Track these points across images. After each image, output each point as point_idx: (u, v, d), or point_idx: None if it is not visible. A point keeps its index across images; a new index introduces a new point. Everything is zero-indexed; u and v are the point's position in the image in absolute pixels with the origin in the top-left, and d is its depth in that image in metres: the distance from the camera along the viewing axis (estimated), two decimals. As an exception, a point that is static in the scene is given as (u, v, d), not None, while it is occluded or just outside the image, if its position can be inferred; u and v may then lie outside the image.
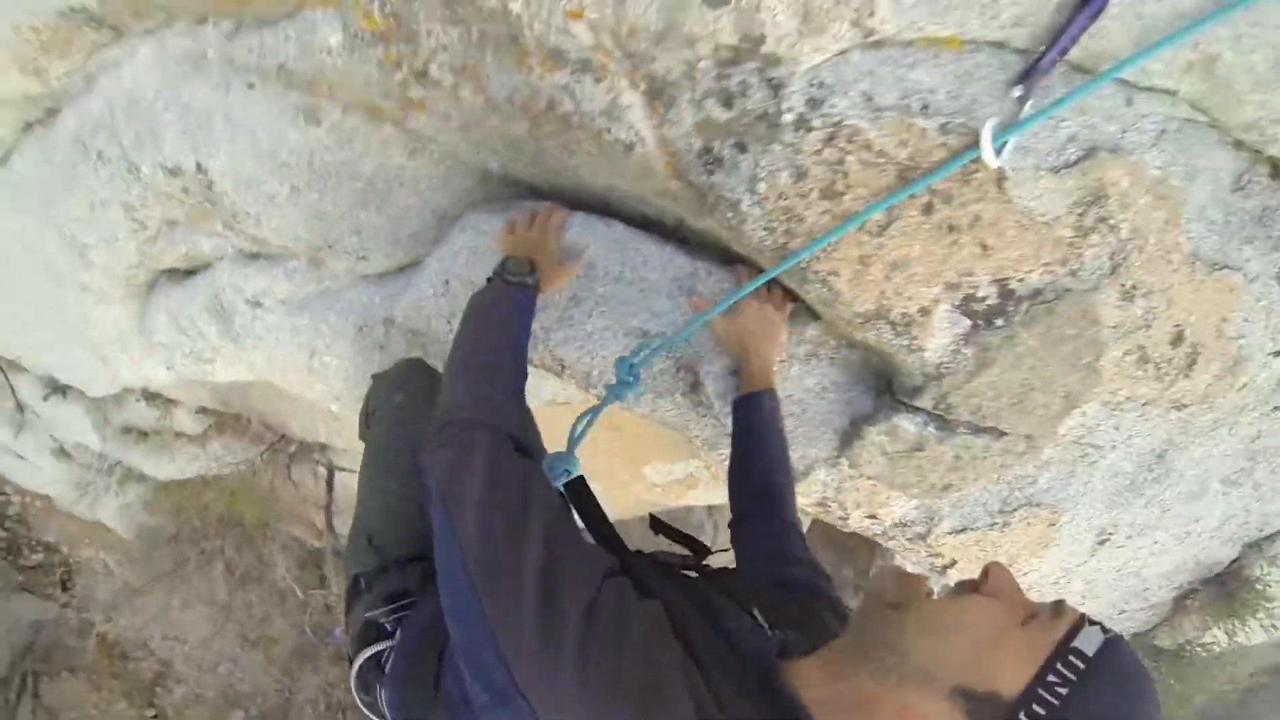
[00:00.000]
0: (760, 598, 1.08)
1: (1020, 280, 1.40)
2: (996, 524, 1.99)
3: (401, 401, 1.72)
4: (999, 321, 1.44)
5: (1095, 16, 1.13)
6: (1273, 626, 2.76)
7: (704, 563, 1.28)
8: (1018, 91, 1.18)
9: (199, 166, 1.68)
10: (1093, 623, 0.77)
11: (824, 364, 1.70)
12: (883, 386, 1.67)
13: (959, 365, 1.48)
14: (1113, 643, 0.76)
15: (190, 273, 2.27)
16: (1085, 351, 1.55)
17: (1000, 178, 1.25)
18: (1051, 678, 0.73)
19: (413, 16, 1.21)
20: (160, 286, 2.32)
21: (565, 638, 0.78)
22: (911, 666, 0.77)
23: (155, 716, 5.65)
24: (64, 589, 5.59)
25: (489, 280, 1.42)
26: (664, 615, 0.86)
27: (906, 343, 1.46)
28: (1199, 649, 3.00)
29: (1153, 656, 3.01)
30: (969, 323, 1.44)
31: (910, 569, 2.78)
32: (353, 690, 1.38)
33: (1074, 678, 0.73)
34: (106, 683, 5.58)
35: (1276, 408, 1.90)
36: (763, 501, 1.44)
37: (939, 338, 1.45)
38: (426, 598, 1.32)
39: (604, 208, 1.67)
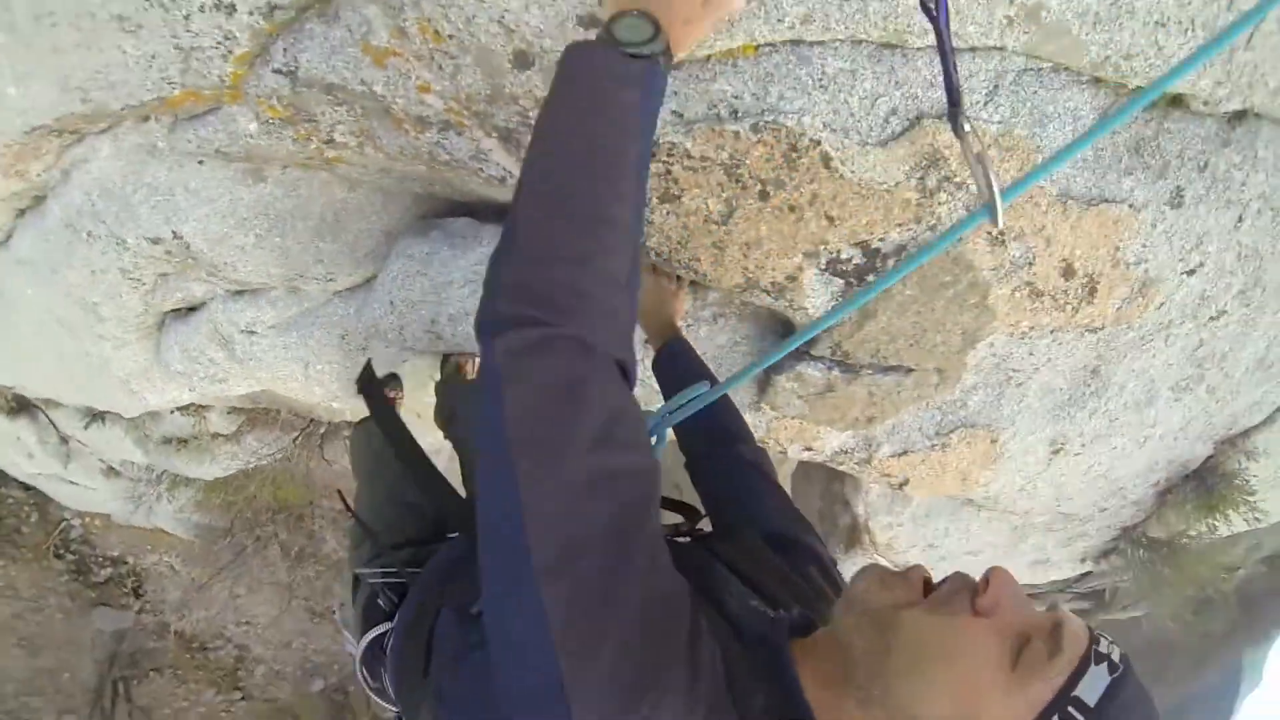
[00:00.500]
0: (765, 571, 1.02)
1: (881, 240, 1.52)
2: (936, 445, 2.12)
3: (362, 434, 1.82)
4: (870, 278, 1.56)
5: None
6: (1255, 519, 2.89)
7: (697, 527, 1.27)
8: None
9: (174, 234, 1.96)
10: (1099, 656, 0.69)
11: (732, 321, 1.88)
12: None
13: (843, 319, 1.64)
14: (1118, 684, 0.68)
15: (191, 309, 2.58)
16: (969, 294, 1.66)
17: (825, 158, 1.38)
18: (1056, 717, 0.67)
19: (306, 103, 1.48)
20: (168, 325, 2.63)
21: (645, 684, 0.65)
22: (896, 705, 0.72)
23: (243, 698, 6.01)
24: (136, 596, 5.87)
25: (576, 49, 0.86)
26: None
27: (786, 304, 1.62)
28: (1189, 539, 3.15)
29: (1146, 547, 3.16)
30: (841, 281, 1.58)
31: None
32: (362, 679, 1.38)
33: (1084, 715, 0.67)
34: (191, 675, 5.93)
35: (1213, 317, 1.98)
36: (712, 436, 1.37)
37: (815, 297, 1.59)
38: (417, 578, 1.31)
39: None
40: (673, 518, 1.29)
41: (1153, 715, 0.70)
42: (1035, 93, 1.44)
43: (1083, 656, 0.68)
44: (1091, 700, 0.67)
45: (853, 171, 1.41)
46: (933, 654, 0.71)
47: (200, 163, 1.79)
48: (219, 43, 1.42)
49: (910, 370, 1.85)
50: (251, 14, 1.36)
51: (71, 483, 4.70)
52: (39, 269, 2.29)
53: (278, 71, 1.45)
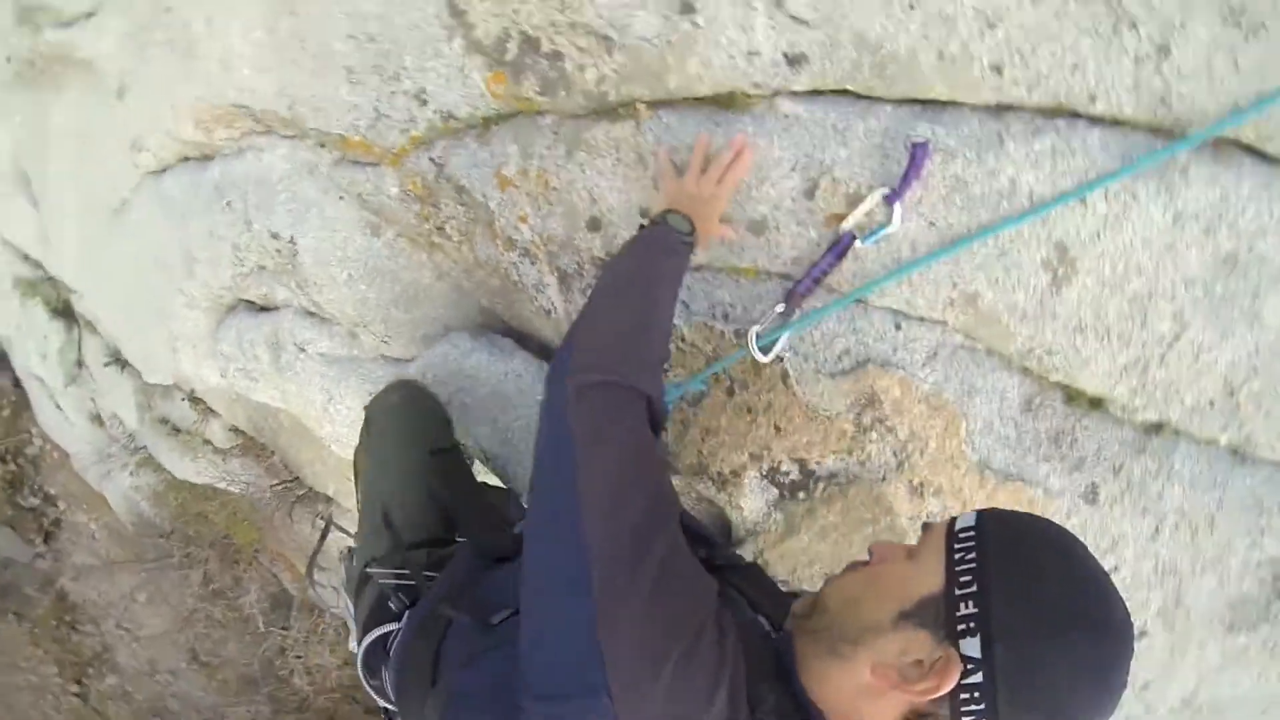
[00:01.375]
0: (765, 594, 1.15)
1: (817, 462, 1.69)
2: None
3: (399, 400, 1.83)
4: (801, 495, 1.72)
5: (840, 257, 1.49)
6: None
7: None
8: (779, 308, 1.57)
9: (292, 239, 2.32)
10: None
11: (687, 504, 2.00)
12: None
13: (771, 526, 1.78)
14: (984, 512, 0.90)
15: (264, 309, 2.92)
16: (887, 536, 1.74)
17: (784, 375, 1.63)
18: (957, 555, 0.85)
19: (438, 192, 1.86)
20: (238, 310, 2.97)
21: (671, 648, 0.80)
22: (855, 632, 0.89)
23: (77, 695, 5.69)
24: (45, 540, 5.72)
25: (644, 228, 1.42)
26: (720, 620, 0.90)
27: (727, 498, 1.79)
28: None
29: None
30: (776, 491, 1.75)
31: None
32: (360, 671, 1.44)
33: (973, 543, 0.85)
34: (46, 643, 5.67)
35: (1137, 637, 1.95)
36: None
37: (752, 500, 1.76)
38: (429, 587, 1.38)
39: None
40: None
41: (1025, 514, 0.92)
42: (967, 367, 1.62)
43: (951, 519, 0.92)
44: (971, 521, 0.88)
45: (804, 392, 1.63)
46: (858, 590, 0.94)
47: (341, 198, 2.18)
48: (404, 121, 1.83)
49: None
50: (436, 113, 1.77)
51: (58, 407, 4.80)
52: (174, 208, 2.68)
53: (432, 160, 1.84)
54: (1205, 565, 1.86)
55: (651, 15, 1.50)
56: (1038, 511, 1.51)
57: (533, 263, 1.81)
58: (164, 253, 2.91)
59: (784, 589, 1.23)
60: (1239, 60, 1.34)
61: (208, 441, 4.27)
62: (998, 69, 1.39)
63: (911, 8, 1.37)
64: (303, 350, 2.76)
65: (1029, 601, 0.81)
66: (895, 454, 1.67)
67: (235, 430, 4.18)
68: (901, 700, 0.85)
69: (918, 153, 1.39)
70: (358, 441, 1.94)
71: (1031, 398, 1.65)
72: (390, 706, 1.38)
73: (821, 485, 1.71)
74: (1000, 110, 1.46)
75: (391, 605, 1.42)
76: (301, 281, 2.48)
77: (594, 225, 1.69)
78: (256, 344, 2.92)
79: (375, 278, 2.33)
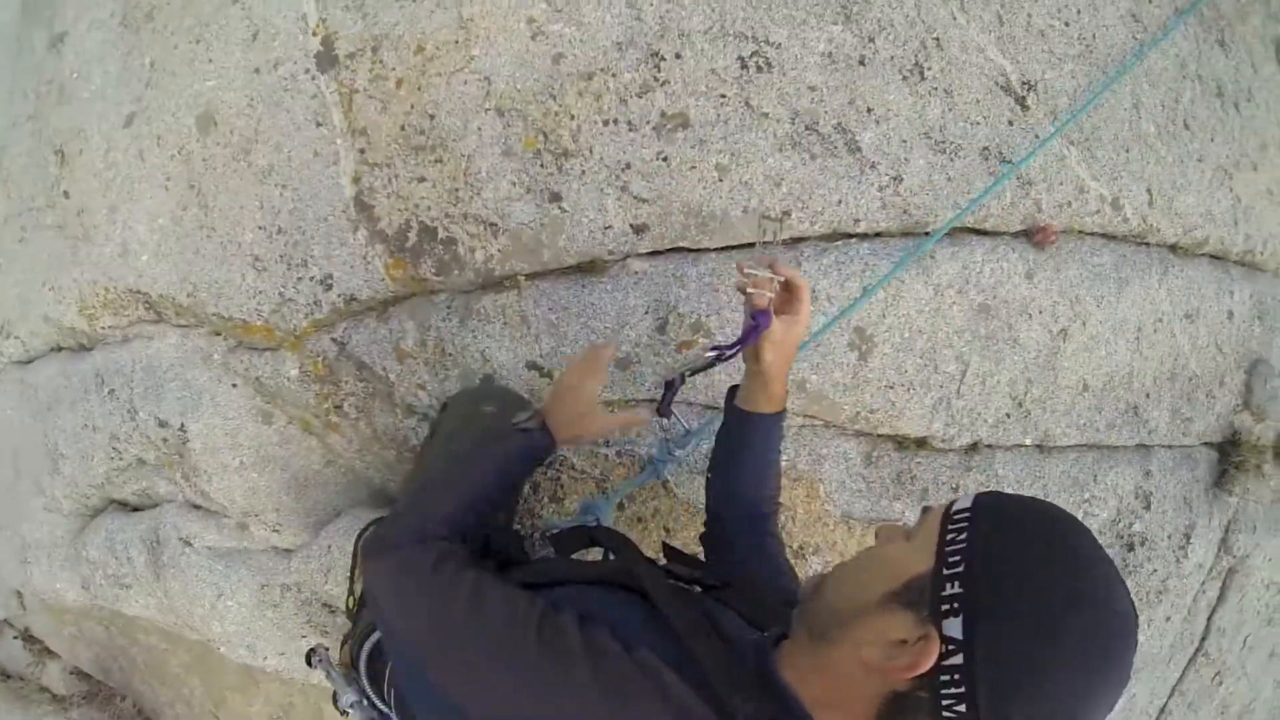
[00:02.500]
0: (755, 607, 1.15)
1: None
2: None
3: (491, 413, 1.69)
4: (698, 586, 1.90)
5: (683, 379, 1.48)
6: None
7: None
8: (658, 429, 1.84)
9: (183, 427, 2.36)
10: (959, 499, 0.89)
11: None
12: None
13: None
14: (982, 494, 0.87)
15: (136, 509, 2.88)
16: None
17: (665, 482, 1.88)
18: (949, 535, 0.83)
19: (339, 370, 2.01)
20: (108, 512, 2.91)
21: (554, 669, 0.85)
22: (846, 613, 0.88)
23: None
24: None
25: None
26: (641, 619, 0.97)
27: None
28: None
29: None
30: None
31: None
32: (364, 682, 1.44)
33: (965, 524, 0.82)
34: None
35: None
36: (755, 516, 1.49)
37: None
38: None
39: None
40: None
41: (1025, 497, 0.88)
42: (811, 440, 1.95)
43: (951, 500, 0.89)
44: (967, 504, 0.86)
45: (683, 493, 1.88)
46: (852, 574, 0.94)
47: (234, 385, 2.28)
48: (309, 305, 2.00)
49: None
50: (340, 297, 1.96)
51: None
52: (37, 398, 2.66)
53: (334, 340, 2.00)
54: None
55: (527, 204, 1.84)
56: None
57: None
58: (21, 449, 2.84)
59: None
60: (949, 174, 1.89)
61: (44, 689, 3.87)
62: (787, 213, 1.84)
63: (720, 180, 1.81)
64: (188, 545, 2.72)
65: (1017, 582, 0.78)
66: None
67: (79, 674, 3.82)
68: (883, 683, 0.82)
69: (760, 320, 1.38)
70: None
71: (869, 452, 1.99)
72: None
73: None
74: (795, 242, 1.89)
75: None
76: (189, 472, 2.51)
77: (486, 382, 1.90)
78: (130, 545, 2.84)
79: (267, 465, 2.39)
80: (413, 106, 1.85)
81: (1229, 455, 2.56)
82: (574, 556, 1.42)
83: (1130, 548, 2.32)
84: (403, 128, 1.86)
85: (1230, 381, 2.53)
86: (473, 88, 1.83)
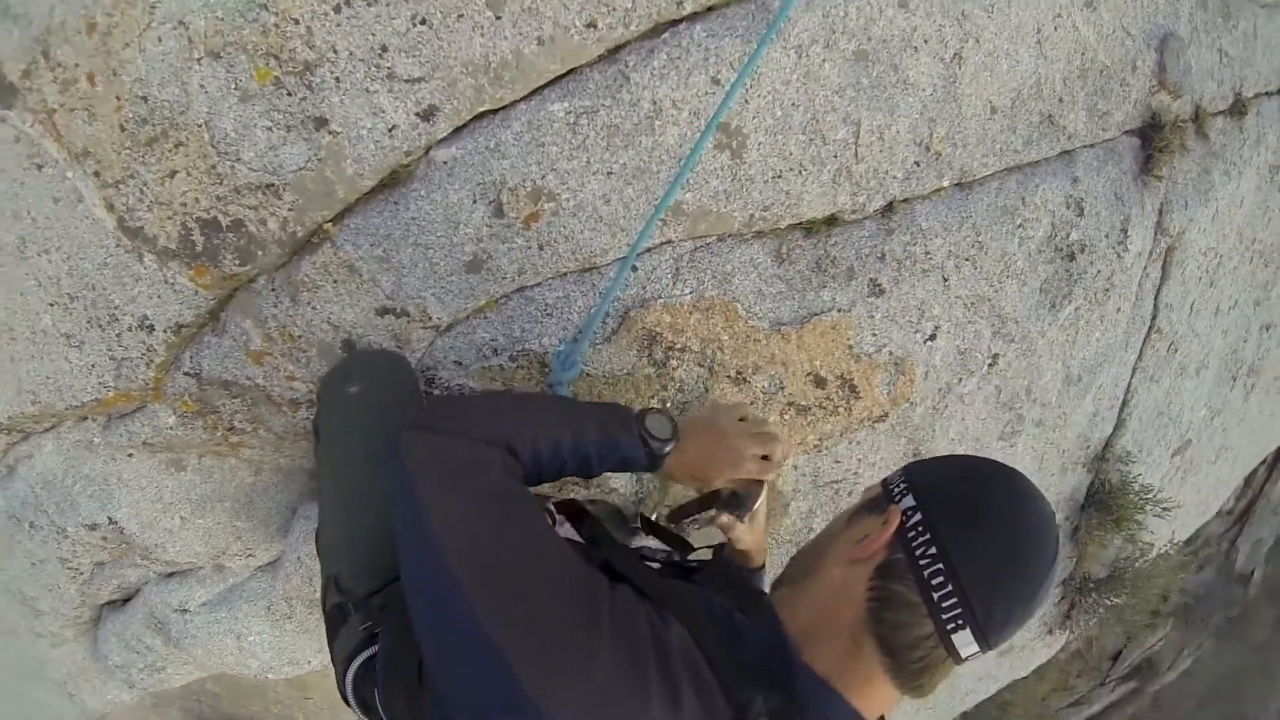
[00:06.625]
0: (738, 592, 1.18)
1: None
2: None
3: (358, 392, 1.54)
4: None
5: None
6: (1165, 512, 3.12)
7: (689, 558, 1.44)
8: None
9: (110, 520, 2.32)
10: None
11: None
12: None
13: (649, 489, 2.00)
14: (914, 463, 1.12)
15: (126, 600, 2.87)
16: None
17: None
18: (887, 478, 1.10)
19: (210, 398, 1.93)
20: (104, 617, 2.91)
21: (586, 639, 0.82)
22: (822, 544, 1.10)
23: None
24: None
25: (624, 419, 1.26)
26: (655, 609, 0.94)
27: (599, 492, 1.99)
28: (1130, 561, 3.41)
29: (1097, 589, 3.43)
30: None
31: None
32: (352, 705, 1.38)
33: (902, 471, 1.09)
34: None
35: (990, 363, 2.26)
36: None
37: (614, 480, 1.96)
38: (387, 617, 1.33)
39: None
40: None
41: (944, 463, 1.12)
42: (709, 260, 1.84)
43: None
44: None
45: (595, 368, 1.83)
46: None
47: (130, 455, 2.21)
48: (143, 354, 1.89)
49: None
50: (165, 331, 1.85)
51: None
52: (-22, 566, 2.62)
53: (187, 374, 1.91)
54: (999, 278, 2.20)
55: (294, 145, 1.63)
56: (846, 328, 1.93)
57: (320, 410, 1.92)
58: (1, 614, 2.83)
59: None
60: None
61: None
62: (592, 25, 1.62)
63: (497, 17, 1.57)
64: (185, 611, 2.74)
65: (946, 469, 1.08)
66: (701, 365, 1.89)
67: None
68: (862, 570, 1.00)
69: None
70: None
71: (777, 249, 1.92)
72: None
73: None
74: (612, 54, 1.68)
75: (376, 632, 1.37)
76: (144, 552, 2.47)
77: (348, 347, 1.82)
78: (140, 635, 2.87)
79: (205, 506, 2.37)
80: (119, 98, 1.61)
81: (1151, 140, 2.53)
82: None
83: (1071, 257, 2.30)
84: (122, 127, 1.64)
85: (1142, 64, 2.43)
86: (171, 42, 1.57)
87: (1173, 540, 3.79)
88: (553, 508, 1.43)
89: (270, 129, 1.62)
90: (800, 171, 1.83)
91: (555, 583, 0.87)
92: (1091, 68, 2.26)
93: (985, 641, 0.94)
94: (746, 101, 1.73)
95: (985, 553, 0.95)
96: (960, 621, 0.93)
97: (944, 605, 0.93)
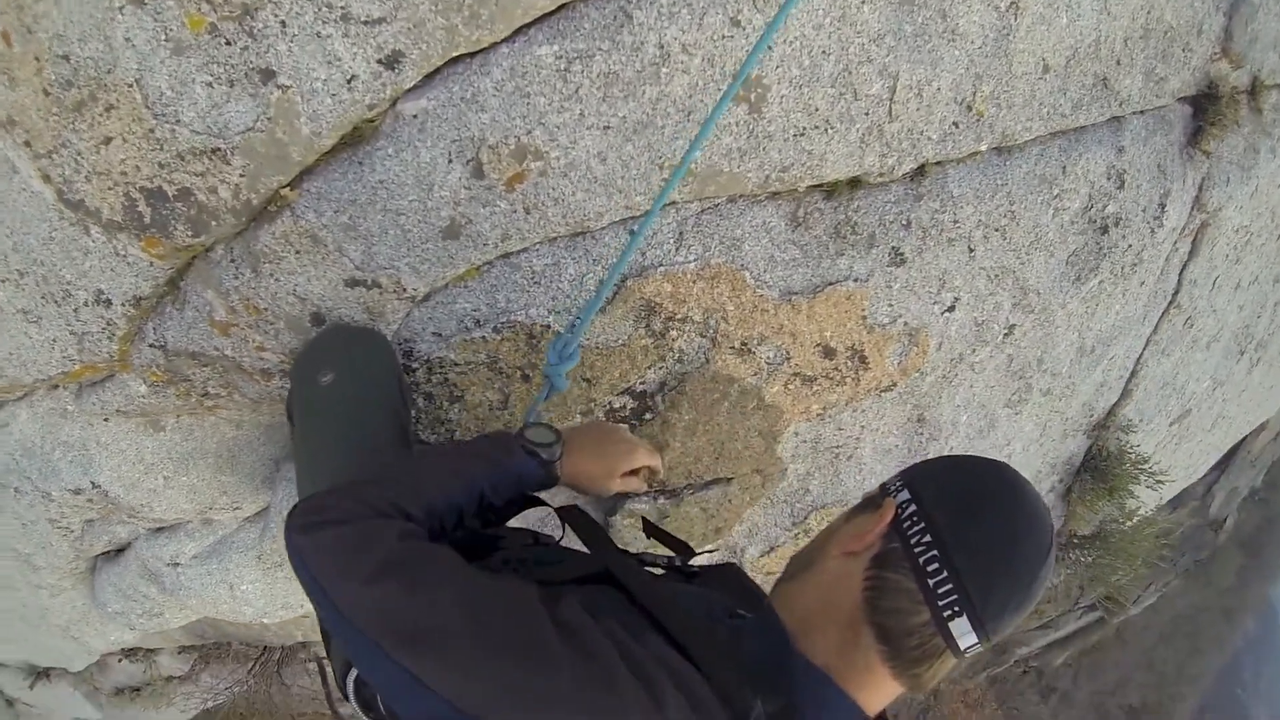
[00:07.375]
0: (732, 592, 1.22)
1: (642, 382, 1.78)
2: (798, 532, 2.32)
3: (331, 382, 1.53)
4: (648, 415, 1.85)
5: None
6: (1158, 484, 3.13)
7: (690, 562, 1.42)
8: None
9: (93, 484, 2.32)
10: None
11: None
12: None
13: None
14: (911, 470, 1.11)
15: (119, 550, 2.89)
16: (744, 400, 1.88)
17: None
18: (886, 481, 1.11)
19: (179, 368, 1.88)
20: (100, 567, 2.94)
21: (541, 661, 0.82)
22: (821, 541, 1.11)
23: None
24: None
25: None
26: (628, 611, 0.96)
27: None
28: (1114, 525, 3.46)
29: (1080, 547, 3.48)
30: (628, 423, 1.87)
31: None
32: (354, 706, 1.37)
33: (901, 474, 1.09)
34: None
35: (1005, 333, 2.15)
36: None
37: None
38: None
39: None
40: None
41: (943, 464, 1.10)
42: (717, 223, 1.69)
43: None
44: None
45: (587, 339, 1.72)
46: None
47: (106, 420, 2.17)
48: (103, 328, 1.84)
49: (729, 479, 2.06)
50: (124, 305, 1.79)
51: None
52: (-32, 524, 2.62)
53: (152, 346, 1.86)
54: (1027, 250, 2.09)
55: (240, 102, 1.45)
56: (861, 299, 1.80)
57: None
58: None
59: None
60: None
61: (169, 678, 4.30)
62: None
63: None
64: (177, 564, 2.77)
65: (942, 470, 1.07)
66: (703, 335, 1.79)
67: (184, 649, 4.19)
68: (860, 562, 1.01)
69: None
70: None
71: (794, 212, 1.74)
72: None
73: (658, 398, 1.83)
74: None
75: None
76: (130, 511, 2.47)
77: (317, 320, 1.75)
78: (136, 584, 2.91)
79: (187, 463, 2.36)
80: (38, 58, 1.44)
81: (1205, 110, 2.36)
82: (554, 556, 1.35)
83: (1104, 230, 2.17)
84: (45, 91, 1.47)
85: (1209, 28, 2.22)
86: (89, -11, 1.41)
87: (1159, 502, 3.90)
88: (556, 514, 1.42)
89: (210, 85, 1.43)
90: (826, 129, 1.65)
91: (486, 624, 0.86)
92: (1156, 28, 2.06)
93: (983, 629, 0.94)
94: (770, 48, 1.53)
95: (981, 541, 0.96)
96: (957, 609, 0.93)
97: (940, 592, 0.94)
